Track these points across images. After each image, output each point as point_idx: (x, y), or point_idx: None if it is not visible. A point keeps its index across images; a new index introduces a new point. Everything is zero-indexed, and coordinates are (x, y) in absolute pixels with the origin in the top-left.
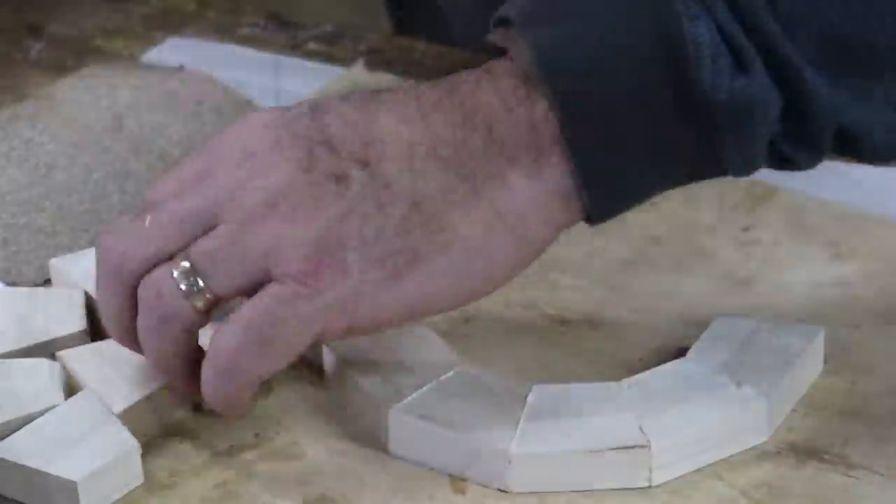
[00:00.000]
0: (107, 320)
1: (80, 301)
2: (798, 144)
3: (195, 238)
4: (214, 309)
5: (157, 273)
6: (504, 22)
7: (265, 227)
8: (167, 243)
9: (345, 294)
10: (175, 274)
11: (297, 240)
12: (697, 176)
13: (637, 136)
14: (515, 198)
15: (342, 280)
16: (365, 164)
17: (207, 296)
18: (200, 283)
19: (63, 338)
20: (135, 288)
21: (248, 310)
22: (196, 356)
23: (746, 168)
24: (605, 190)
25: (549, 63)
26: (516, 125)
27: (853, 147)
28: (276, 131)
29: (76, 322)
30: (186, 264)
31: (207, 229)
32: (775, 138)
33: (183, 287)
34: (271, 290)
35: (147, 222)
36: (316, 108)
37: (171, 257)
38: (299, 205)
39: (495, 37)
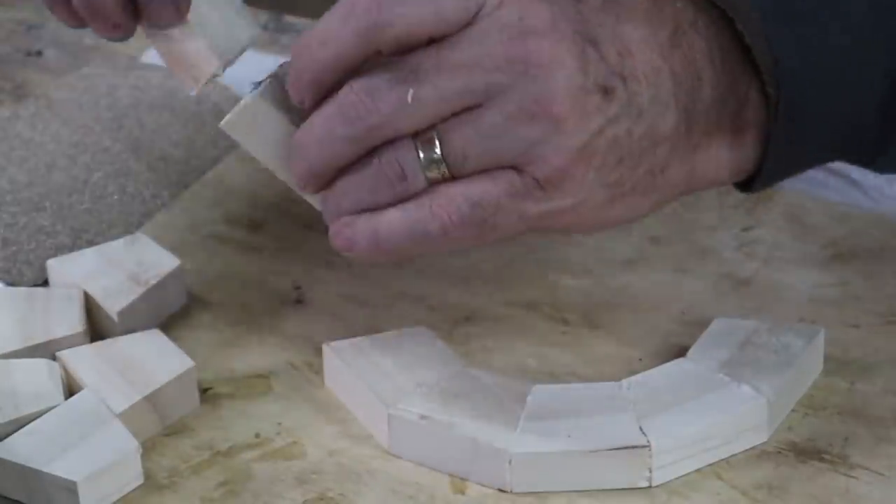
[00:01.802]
0: (317, 156)
1: (79, 301)
2: None
3: (451, 115)
4: None
5: (404, 150)
6: None
7: (532, 128)
8: (424, 122)
9: (567, 207)
10: (422, 157)
11: (558, 149)
12: (879, 166)
13: (833, 144)
14: (710, 160)
15: (573, 195)
16: (622, 78)
17: (444, 173)
18: (445, 169)
19: (63, 338)
20: (369, 146)
21: (481, 188)
22: None
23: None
24: (780, 174)
25: (785, 66)
26: (731, 94)
27: None
28: (551, 9)
29: (76, 323)
30: (437, 153)
31: (469, 106)
32: None
33: (428, 174)
34: (509, 179)
35: (410, 97)
36: None
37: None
38: (570, 113)
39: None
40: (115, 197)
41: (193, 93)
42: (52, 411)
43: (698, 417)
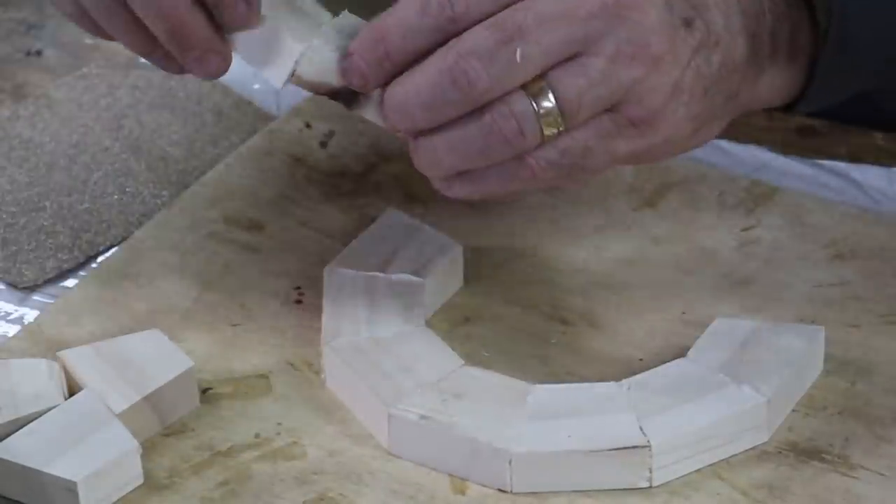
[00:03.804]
0: (423, 118)
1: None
2: None
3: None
4: None
5: (519, 105)
6: None
7: (633, 69)
8: (532, 75)
9: (657, 143)
10: (538, 110)
11: (656, 87)
12: None
13: (877, 71)
14: (768, 84)
15: (663, 131)
16: (696, 8)
17: (560, 128)
18: (560, 121)
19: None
20: (479, 105)
21: (575, 135)
22: None
23: None
24: (824, 98)
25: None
26: (787, 20)
27: None
28: None
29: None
30: (552, 103)
31: (571, 56)
32: None
33: (545, 131)
34: (606, 121)
35: (519, 56)
36: None
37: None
38: (666, 49)
39: None
40: (115, 197)
41: (280, 86)
42: (52, 411)
43: (698, 417)
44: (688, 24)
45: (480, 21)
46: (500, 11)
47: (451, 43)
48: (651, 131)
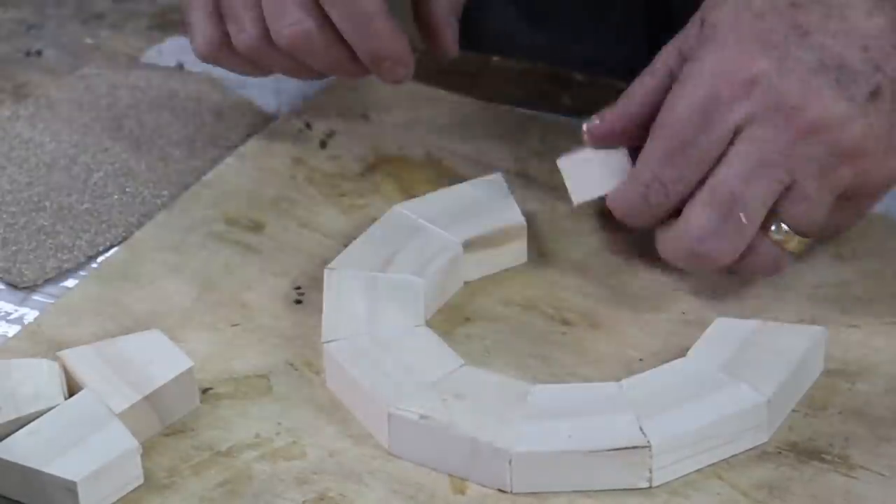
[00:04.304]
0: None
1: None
2: None
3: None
4: None
5: (764, 249)
6: None
7: (842, 172)
8: (760, 222)
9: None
10: (782, 240)
11: (869, 169)
12: None
13: None
14: None
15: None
16: (878, 69)
17: (793, 236)
18: (801, 240)
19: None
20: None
21: (827, 225)
22: None
23: None
24: None
25: None
26: None
27: None
28: (795, 71)
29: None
30: (787, 229)
31: (787, 187)
32: None
33: (792, 247)
34: (844, 210)
35: (744, 219)
36: (795, 25)
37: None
38: (860, 140)
39: None
40: (115, 197)
41: (574, 204)
42: (52, 411)
43: (698, 417)
44: (874, 96)
45: (692, 194)
46: (703, 178)
47: (678, 228)
48: (881, 193)
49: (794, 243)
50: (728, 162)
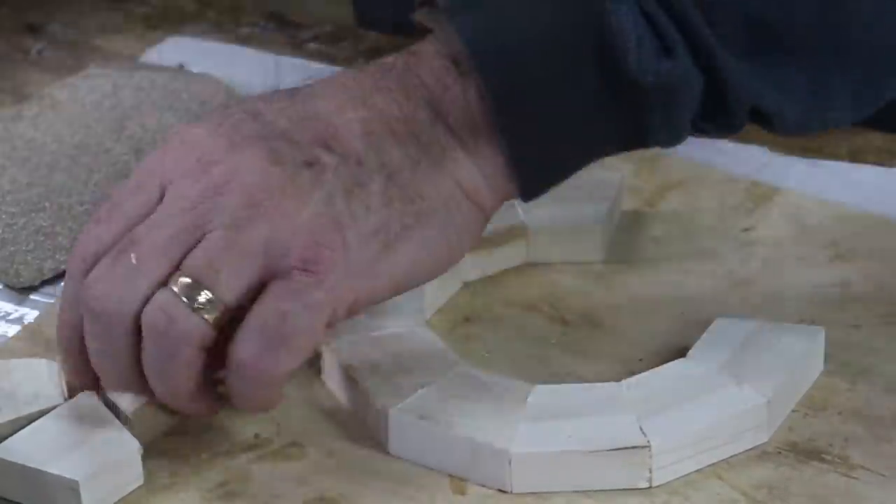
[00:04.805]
0: (108, 371)
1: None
2: (713, 121)
3: (184, 257)
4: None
5: (160, 298)
6: (429, 2)
7: (256, 226)
8: (161, 272)
9: (347, 272)
10: (177, 290)
11: (292, 229)
12: (623, 150)
13: (566, 118)
14: (467, 169)
15: (342, 259)
16: (327, 147)
17: (218, 305)
18: (206, 294)
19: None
20: (136, 329)
21: (258, 312)
22: (207, 378)
23: (672, 142)
24: (534, 169)
25: (478, 50)
26: (454, 103)
27: (767, 122)
28: (226, 137)
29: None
30: (187, 280)
31: (194, 245)
32: (694, 116)
33: (189, 302)
34: (276, 287)
35: (133, 259)
36: (251, 111)
37: (164, 283)
38: (283, 196)
39: (420, 16)
40: None
41: None
42: (53, 412)
43: (698, 417)
44: (311, 164)
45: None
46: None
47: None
48: (323, 267)
49: (209, 308)
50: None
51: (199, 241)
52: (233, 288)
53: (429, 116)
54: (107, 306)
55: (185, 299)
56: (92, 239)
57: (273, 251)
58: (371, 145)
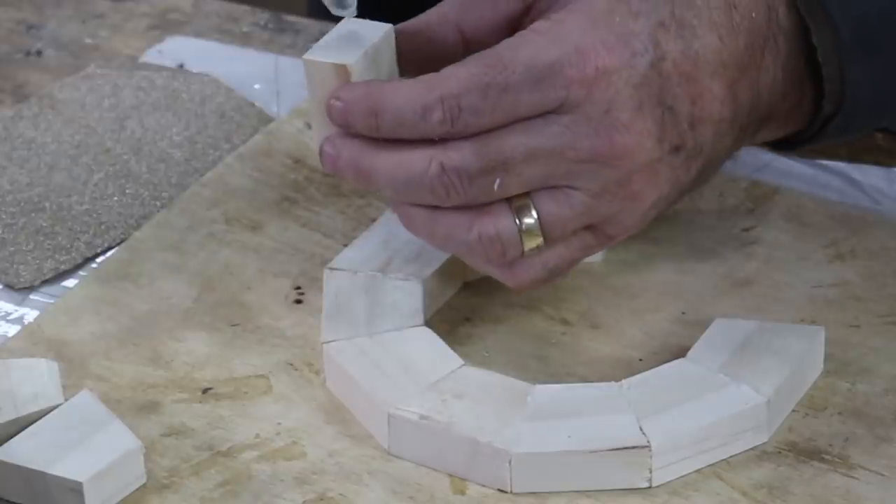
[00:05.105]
0: (402, 190)
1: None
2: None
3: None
4: None
5: (503, 222)
6: None
7: (613, 204)
8: (513, 195)
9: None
10: (522, 227)
11: (633, 214)
12: None
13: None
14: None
15: (632, 231)
16: (692, 127)
17: (541, 246)
18: (541, 240)
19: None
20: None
21: (556, 256)
22: None
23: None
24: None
25: (853, 93)
26: (785, 100)
27: None
28: (637, 94)
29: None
30: (533, 220)
31: (550, 186)
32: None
33: (526, 245)
34: (584, 241)
35: (497, 185)
36: (658, 56)
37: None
38: (645, 184)
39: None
40: (115, 199)
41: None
42: (53, 412)
43: (698, 417)
44: (676, 149)
45: (473, 133)
46: (494, 128)
47: (437, 151)
48: (621, 238)
49: (532, 237)
50: (526, 130)
51: (562, 187)
52: (560, 240)
53: (767, 103)
54: (454, 199)
55: (525, 243)
56: (480, 103)
57: (610, 225)
58: (716, 136)
